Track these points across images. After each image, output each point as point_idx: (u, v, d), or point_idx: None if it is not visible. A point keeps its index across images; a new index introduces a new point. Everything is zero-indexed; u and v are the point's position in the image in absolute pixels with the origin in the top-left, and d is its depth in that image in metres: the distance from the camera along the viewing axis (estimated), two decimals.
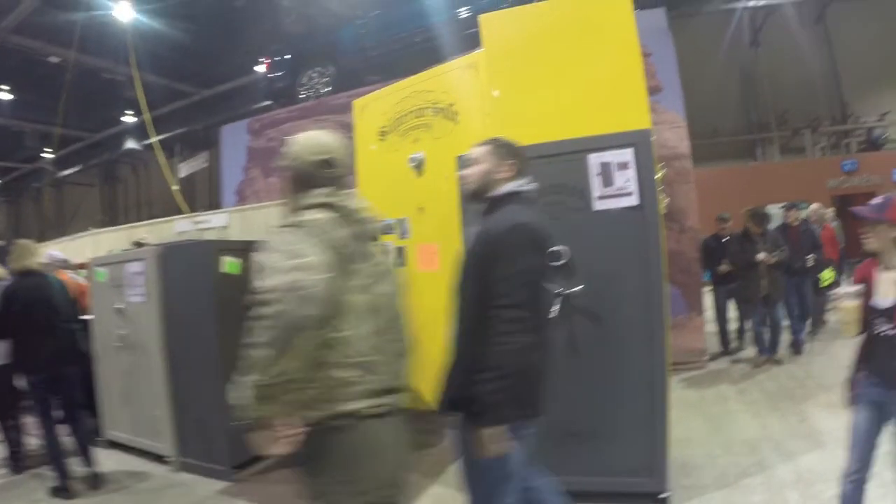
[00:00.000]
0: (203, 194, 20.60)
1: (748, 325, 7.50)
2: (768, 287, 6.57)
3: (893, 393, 2.56)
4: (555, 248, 3.24)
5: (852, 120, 19.56)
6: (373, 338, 1.91)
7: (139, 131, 19.66)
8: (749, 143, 20.16)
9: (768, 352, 6.83)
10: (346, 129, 6.02)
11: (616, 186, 3.22)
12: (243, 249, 4.66)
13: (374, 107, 5.58)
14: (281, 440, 1.78)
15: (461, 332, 2.25)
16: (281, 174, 2.11)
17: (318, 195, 1.97)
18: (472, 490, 2.25)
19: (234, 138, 11.32)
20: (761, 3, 17.67)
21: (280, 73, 10.82)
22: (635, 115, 3.79)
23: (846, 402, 2.82)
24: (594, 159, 3.25)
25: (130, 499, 4.37)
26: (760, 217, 6.82)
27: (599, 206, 3.25)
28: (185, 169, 18.05)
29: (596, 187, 3.26)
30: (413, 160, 4.78)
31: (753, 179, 16.67)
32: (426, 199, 4.68)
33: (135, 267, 5.01)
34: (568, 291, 3.25)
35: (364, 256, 1.97)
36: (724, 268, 7.30)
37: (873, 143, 18.57)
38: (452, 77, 4.77)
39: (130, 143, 21.66)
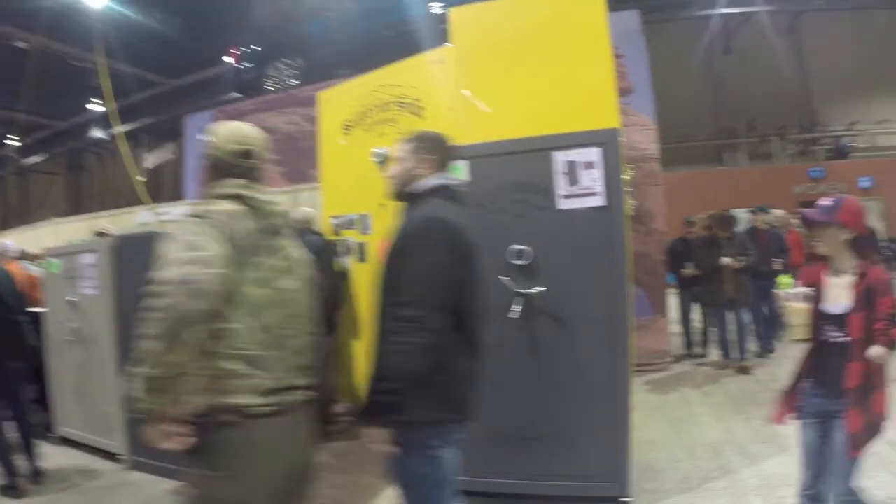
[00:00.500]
0: (170, 186, 20.23)
1: (713, 328, 7.46)
2: (734, 291, 6.50)
3: (838, 401, 2.47)
4: (520, 248, 3.19)
5: (820, 128, 19.90)
6: (266, 332, 1.86)
7: (106, 120, 19.21)
8: (717, 147, 20.41)
9: (733, 356, 6.79)
10: (313, 122, 5.91)
11: (582, 186, 3.15)
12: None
13: (339, 100, 5.48)
14: (172, 434, 1.77)
15: (377, 333, 2.17)
16: (201, 162, 2.07)
17: (232, 185, 1.95)
18: (406, 498, 2.19)
19: (198, 128, 11.05)
20: (735, 10, 17.85)
21: (247, 64, 10.63)
22: (605, 114, 3.75)
23: (777, 415, 2.77)
24: (560, 157, 3.18)
25: (80, 498, 4.22)
26: (726, 221, 6.77)
27: (564, 205, 3.18)
28: (151, 160, 17.73)
29: (561, 186, 3.19)
30: (377, 155, 4.68)
31: (721, 184, 16.86)
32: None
33: (88, 258, 4.83)
34: (530, 292, 3.17)
35: (269, 250, 1.93)
36: (688, 271, 7.30)
37: (840, 152, 18.92)
38: (420, 71, 4.68)
39: (97, 132, 21.16)
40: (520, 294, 3.17)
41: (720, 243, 6.64)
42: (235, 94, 12.12)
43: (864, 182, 17.44)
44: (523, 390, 3.32)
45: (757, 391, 5.75)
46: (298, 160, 8.92)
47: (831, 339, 2.53)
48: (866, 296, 2.43)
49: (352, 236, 5.16)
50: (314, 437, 2.06)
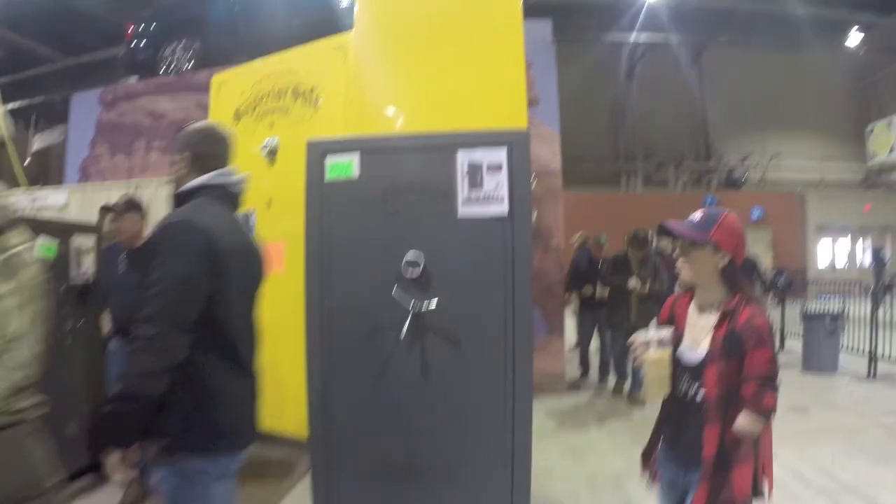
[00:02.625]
0: (57, 170, 18.66)
1: (613, 352, 7.17)
2: (637, 318, 6.13)
3: (693, 472, 2.00)
4: (412, 257, 2.81)
5: (715, 159, 20.86)
6: None
7: None
8: (614, 171, 21.05)
9: (631, 384, 6.55)
10: (205, 109, 5.36)
11: (485, 190, 2.81)
12: (63, 231, 4.10)
13: (232, 84, 4.96)
14: None
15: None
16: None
17: None
18: None
19: (85, 109, 10.08)
20: (642, 38, 18.43)
21: (142, 44, 9.83)
22: (513, 116, 3.46)
23: (644, 476, 2.36)
24: (463, 157, 2.83)
25: None
26: (641, 241, 6.44)
27: (464, 211, 2.83)
28: (39, 141, 16.30)
29: (462, 189, 2.84)
30: (265, 147, 4.21)
31: (616, 207, 17.35)
32: (276, 191, 4.12)
33: None
34: (421, 308, 2.80)
35: None
36: (587, 289, 7.09)
37: (733, 183, 19.87)
38: (318, 58, 4.27)
39: None
40: (410, 309, 2.79)
41: (630, 264, 6.43)
42: (130, 74, 11.14)
43: (756, 212, 18.40)
44: (410, 416, 2.93)
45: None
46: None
47: (687, 395, 2.06)
48: (729, 343, 1.94)
49: None
50: (42, 456, 1.95)
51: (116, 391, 1.81)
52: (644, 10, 16.64)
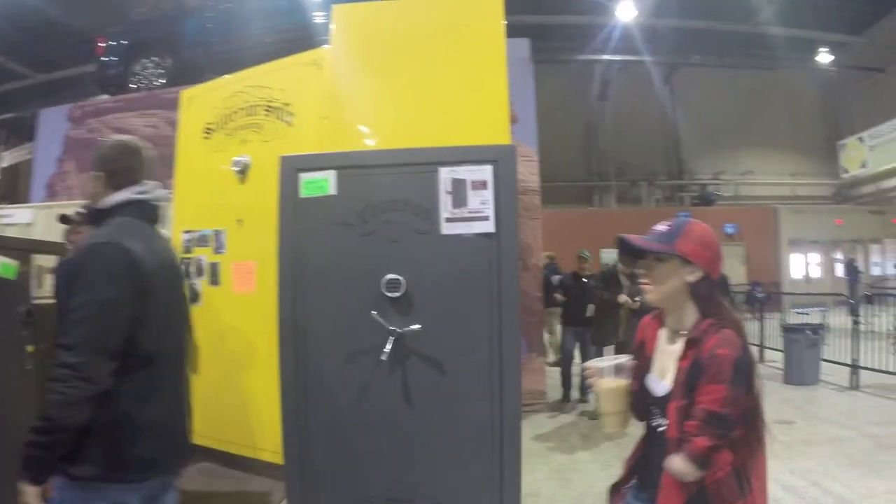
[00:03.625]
0: (26, 187, 18.33)
1: None
2: (625, 334, 6.07)
3: None
4: (393, 277, 2.68)
5: (688, 176, 21.12)
6: None
7: None
8: (587, 189, 21.23)
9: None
10: (174, 126, 5.20)
11: (469, 208, 2.70)
12: (24, 250, 3.86)
13: (202, 99, 4.79)
14: None
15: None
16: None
17: None
18: None
19: (52, 125, 9.85)
20: (615, 58, 18.64)
21: (113, 59, 9.65)
22: (497, 132, 3.35)
23: None
24: (445, 174, 2.72)
25: None
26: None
27: (448, 229, 2.71)
28: (7, 158, 16.04)
29: (445, 207, 2.73)
30: (236, 164, 4.06)
31: (590, 223, 17.43)
32: (247, 209, 3.98)
33: None
34: (402, 330, 2.67)
35: None
36: (592, 308, 6.85)
37: (706, 199, 20.11)
38: (291, 73, 4.13)
39: None
40: (391, 332, 2.66)
41: (619, 280, 6.31)
42: (100, 91, 10.95)
43: (729, 228, 18.60)
44: (393, 444, 2.80)
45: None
46: (154, 167, 8.08)
47: (657, 428, 1.79)
48: (693, 376, 1.63)
49: (204, 255, 4.45)
50: None
51: (37, 423, 1.72)
52: (617, 32, 16.82)
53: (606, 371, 1.87)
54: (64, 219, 5.20)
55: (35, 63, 16.83)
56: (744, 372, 1.59)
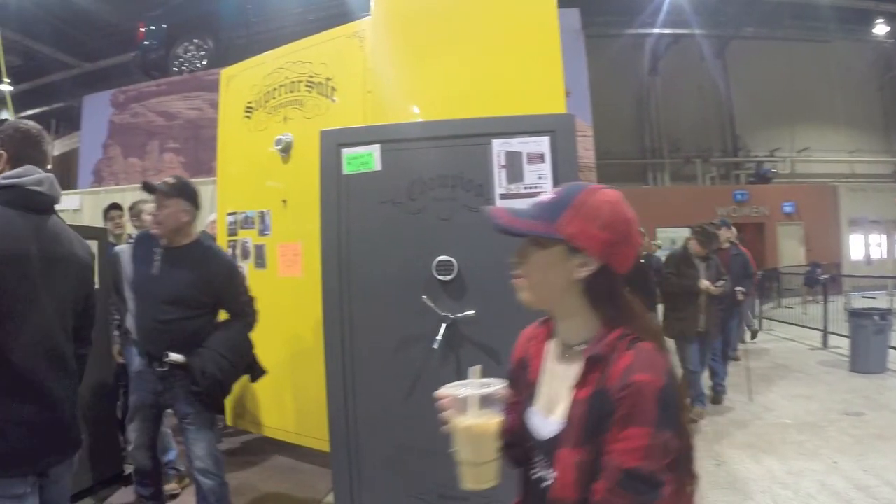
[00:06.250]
0: (76, 175, 18.85)
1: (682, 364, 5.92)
2: (707, 323, 5.38)
3: None
4: (444, 259, 2.49)
5: (743, 153, 20.39)
6: None
7: (14, 100, 17.66)
8: (641, 167, 20.62)
9: (700, 402, 5.57)
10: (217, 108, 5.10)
11: (525, 183, 2.49)
12: None
13: (242, 78, 4.68)
14: None
15: None
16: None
17: None
18: None
19: (97, 111, 9.96)
20: (666, 32, 18.03)
21: (154, 43, 9.67)
22: (551, 104, 3.12)
23: None
24: (498, 146, 2.51)
25: None
26: (709, 236, 5.53)
27: (502, 206, 2.51)
28: (59, 146, 16.47)
29: (499, 182, 2.52)
30: (279, 143, 3.92)
31: (645, 202, 16.84)
32: (291, 189, 3.84)
33: None
34: (455, 316, 2.48)
35: None
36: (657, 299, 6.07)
37: (762, 177, 19.37)
38: (332, 47, 3.97)
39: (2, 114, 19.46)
40: (443, 318, 2.47)
41: (695, 263, 5.55)
42: (143, 76, 11.03)
43: (787, 207, 17.90)
44: (446, 438, 2.62)
45: (702, 424, 5.26)
46: (199, 149, 8.08)
47: (537, 477, 1.21)
48: (597, 412, 1.06)
49: (249, 237, 4.34)
50: None
51: None
52: (667, 4, 16.24)
53: (469, 402, 1.18)
54: (115, 206, 5.15)
55: (81, 53, 17.08)
56: (672, 406, 1.04)
